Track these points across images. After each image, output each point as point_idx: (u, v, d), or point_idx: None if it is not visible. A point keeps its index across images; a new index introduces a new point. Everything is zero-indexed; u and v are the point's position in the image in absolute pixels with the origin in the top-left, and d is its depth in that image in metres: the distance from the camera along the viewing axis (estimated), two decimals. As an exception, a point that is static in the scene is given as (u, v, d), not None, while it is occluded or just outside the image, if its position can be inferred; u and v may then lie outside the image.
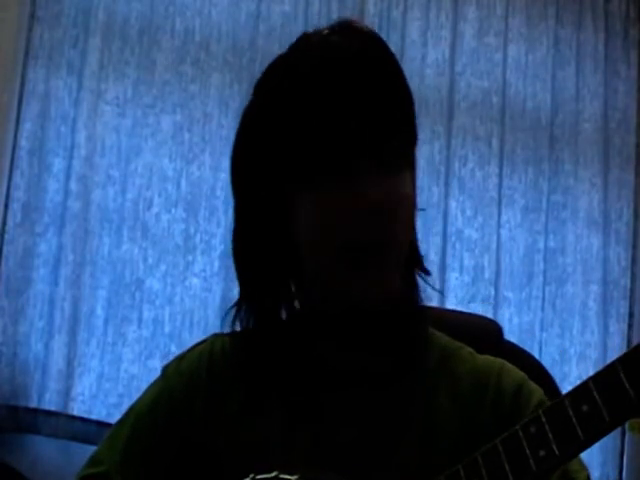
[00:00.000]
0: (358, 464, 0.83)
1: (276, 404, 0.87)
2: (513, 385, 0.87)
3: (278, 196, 0.83)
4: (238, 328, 0.90)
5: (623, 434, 2.82)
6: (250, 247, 0.88)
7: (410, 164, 0.86)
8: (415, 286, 0.90)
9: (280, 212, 0.84)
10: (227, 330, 0.92)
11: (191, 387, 0.90)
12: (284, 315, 0.89)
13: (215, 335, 0.95)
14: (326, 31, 0.83)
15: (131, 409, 0.93)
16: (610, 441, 2.80)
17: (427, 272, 0.90)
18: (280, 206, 0.83)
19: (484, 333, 1.15)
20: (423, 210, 0.90)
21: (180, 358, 0.94)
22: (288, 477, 0.79)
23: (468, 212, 2.81)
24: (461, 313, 1.26)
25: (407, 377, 0.88)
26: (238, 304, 0.89)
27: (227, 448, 0.86)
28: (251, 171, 0.86)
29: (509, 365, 0.91)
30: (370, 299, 0.82)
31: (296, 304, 0.90)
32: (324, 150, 0.79)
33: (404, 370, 0.88)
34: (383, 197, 0.79)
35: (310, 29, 0.84)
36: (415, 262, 0.91)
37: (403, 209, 0.83)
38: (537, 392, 0.88)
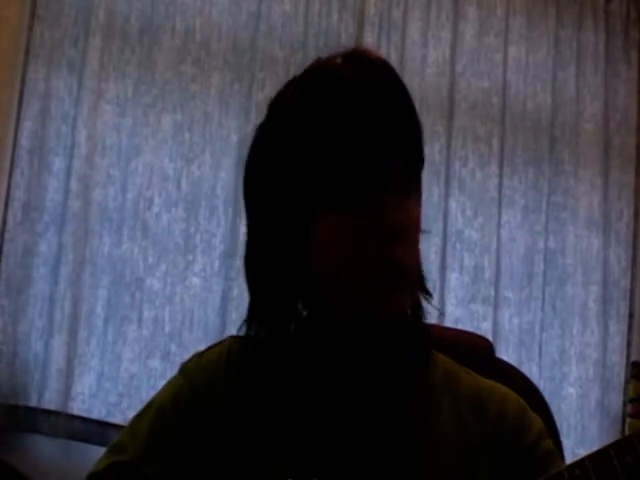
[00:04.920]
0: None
1: (285, 416, 0.88)
2: (514, 413, 0.90)
3: (298, 215, 0.85)
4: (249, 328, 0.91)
5: (623, 434, 2.82)
6: (264, 265, 0.89)
7: (419, 187, 0.89)
8: (419, 304, 0.92)
9: (299, 231, 0.85)
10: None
11: (212, 382, 0.91)
12: (293, 327, 0.90)
13: (232, 337, 0.96)
14: (340, 59, 0.85)
15: (150, 403, 0.94)
16: (610, 441, 2.79)
17: (429, 294, 0.92)
18: (300, 225, 0.85)
19: (476, 350, 1.16)
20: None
21: (199, 355, 0.95)
22: None
23: (468, 212, 2.82)
24: (453, 330, 1.25)
25: (412, 394, 0.89)
26: (249, 315, 0.91)
27: (241, 451, 0.87)
28: (270, 191, 0.87)
29: (511, 392, 0.93)
30: (385, 316, 0.85)
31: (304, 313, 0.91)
32: (350, 175, 0.82)
33: (410, 386, 0.89)
34: (404, 219, 0.83)
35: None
36: (419, 282, 0.92)
37: (417, 231, 0.86)
38: (537, 421, 0.91)
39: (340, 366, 0.88)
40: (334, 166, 0.82)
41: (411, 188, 0.86)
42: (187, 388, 0.92)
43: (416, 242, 0.86)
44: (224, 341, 0.96)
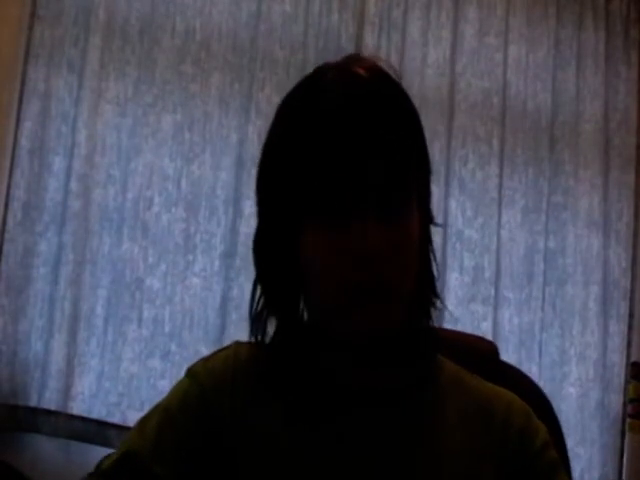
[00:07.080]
0: None
1: (289, 418, 0.88)
2: (520, 421, 0.90)
3: (291, 222, 0.86)
4: (257, 330, 0.92)
5: (623, 434, 2.82)
6: (267, 259, 0.90)
7: (412, 209, 0.90)
8: (426, 311, 0.92)
9: (291, 237, 0.86)
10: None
11: (219, 385, 0.91)
12: (300, 327, 0.91)
13: (237, 343, 0.96)
14: (334, 72, 0.86)
15: (157, 406, 0.93)
16: (610, 441, 2.80)
17: (440, 299, 0.93)
18: (291, 231, 0.86)
19: (481, 353, 1.16)
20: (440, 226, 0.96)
21: (205, 360, 0.96)
22: None
23: (468, 212, 2.82)
24: (458, 333, 1.26)
25: (417, 397, 0.89)
26: (260, 307, 0.92)
27: (248, 453, 0.88)
28: (271, 190, 0.88)
29: (517, 398, 0.93)
30: (367, 331, 0.84)
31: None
32: (330, 192, 0.82)
33: (414, 389, 0.89)
34: (380, 245, 0.82)
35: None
36: (427, 289, 0.93)
37: (401, 256, 0.85)
38: (542, 429, 0.91)
39: (345, 370, 0.89)
40: (323, 180, 0.82)
41: (403, 213, 0.86)
42: (195, 390, 0.92)
43: (399, 266, 0.85)
44: (229, 346, 0.96)
